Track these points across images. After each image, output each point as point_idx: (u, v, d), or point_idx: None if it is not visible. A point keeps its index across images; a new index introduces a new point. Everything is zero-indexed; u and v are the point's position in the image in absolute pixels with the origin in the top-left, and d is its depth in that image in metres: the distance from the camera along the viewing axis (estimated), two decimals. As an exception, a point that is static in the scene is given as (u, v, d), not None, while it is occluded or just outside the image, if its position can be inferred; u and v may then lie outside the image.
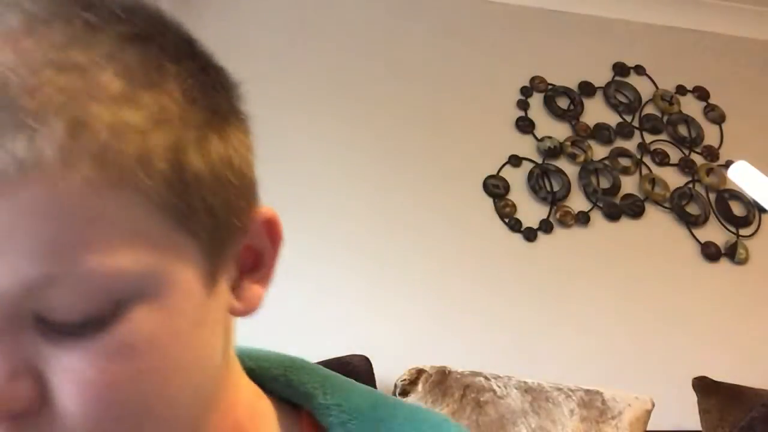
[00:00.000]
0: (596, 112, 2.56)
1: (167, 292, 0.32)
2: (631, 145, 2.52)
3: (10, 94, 0.28)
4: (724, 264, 2.39)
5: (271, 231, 0.39)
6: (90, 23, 0.31)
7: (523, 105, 2.52)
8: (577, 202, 2.40)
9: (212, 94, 0.35)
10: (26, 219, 0.28)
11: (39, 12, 0.31)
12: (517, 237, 2.32)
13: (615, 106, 2.59)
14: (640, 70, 2.66)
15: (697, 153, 2.56)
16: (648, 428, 1.81)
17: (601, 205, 2.40)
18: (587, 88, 2.59)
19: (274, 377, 0.48)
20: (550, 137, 2.47)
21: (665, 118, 2.59)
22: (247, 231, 0.38)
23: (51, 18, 0.31)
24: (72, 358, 0.30)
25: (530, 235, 2.32)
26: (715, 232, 2.43)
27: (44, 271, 0.29)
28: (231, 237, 0.36)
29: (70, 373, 0.30)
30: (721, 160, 2.54)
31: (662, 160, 2.51)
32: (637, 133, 2.55)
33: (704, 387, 1.94)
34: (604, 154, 2.48)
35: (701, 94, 2.66)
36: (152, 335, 0.32)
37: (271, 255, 0.40)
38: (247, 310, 0.39)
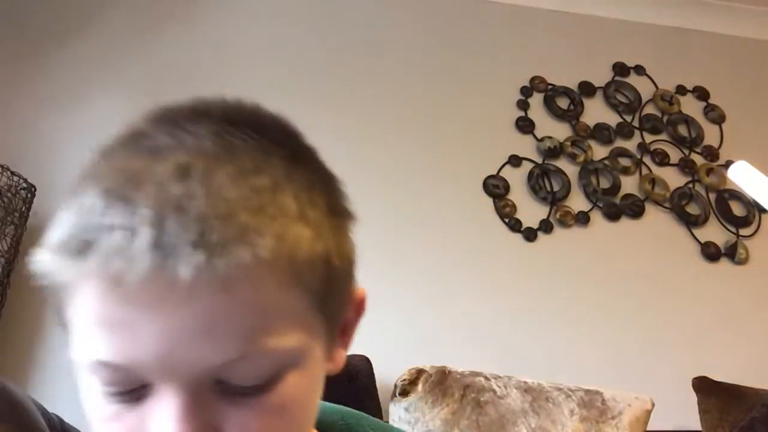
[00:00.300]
0: (596, 112, 2.56)
1: (308, 361, 0.41)
2: (631, 145, 2.52)
3: (233, 213, 0.36)
4: (724, 264, 2.39)
5: (359, 306, 0.49)
6: (262, 148, 0.40)
7: (523, 105, 2.51)
8: (577, 202, 2.40)
9: (335, 198, 0.45)
10: (239, 310, 0.37)
11: (224, 132, 0.40)
12: (517, 237, 2.32)
13: (615, 106, 2.59)
14: (640, 70, 2.66)
15: (697, 153, 2.55)
16: (648, 428, 1.81)
17: (601, 205, 2.40)
18: (587, 88, 2.58)
19: (333, 422, 0.56)
20: (550, 137, 2.47)
21: (665, 118, 2.59)
22: (349, 307, 0.47)
23: (235, 140, 0.40)
24: (242, 414, 0.39)
25: (530, 235, 2.32)
26: (715, 232, 2.42)
27: (241, 350, 0.37)
28: (343, 314, 0.46)
29: (241, 426, 0.39)
30: (721, 160, 2.54)
31: (662, 160, 2.51)
32: (637, 133, 2.55)
33: (704, 387, 1.94)
34: (604, 154, 2.48)
35: (701, 94, 2.66)
36: (297, 395, 0.41)
37: (355, 324, 0.49)
38: (334, 370, 0.47)
